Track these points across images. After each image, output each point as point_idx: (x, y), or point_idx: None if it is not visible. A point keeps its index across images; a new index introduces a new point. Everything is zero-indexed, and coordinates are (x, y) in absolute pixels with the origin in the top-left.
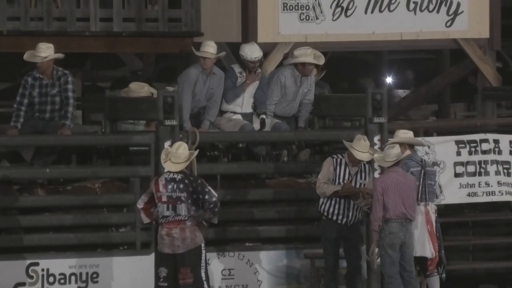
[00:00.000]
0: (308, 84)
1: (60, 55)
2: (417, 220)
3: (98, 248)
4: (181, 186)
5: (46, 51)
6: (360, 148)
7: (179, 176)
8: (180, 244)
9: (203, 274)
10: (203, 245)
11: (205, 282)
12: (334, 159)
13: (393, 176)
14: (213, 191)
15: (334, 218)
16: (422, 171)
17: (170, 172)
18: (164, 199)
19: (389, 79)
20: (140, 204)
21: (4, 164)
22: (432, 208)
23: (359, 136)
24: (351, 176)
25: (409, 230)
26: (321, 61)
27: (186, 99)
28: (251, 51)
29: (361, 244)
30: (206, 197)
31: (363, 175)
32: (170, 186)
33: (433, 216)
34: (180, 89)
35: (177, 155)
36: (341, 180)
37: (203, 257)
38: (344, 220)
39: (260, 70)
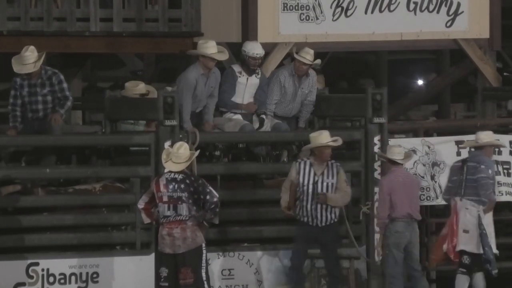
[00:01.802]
0: (310, 85)
1: (42, 53)
2: None
3: (98, 248)
4: (182, 186)
5: (32, 56)
6: (321, 138)
7: (180, 176)
8: (181, 244)
9: (203, 274)
10: (203, 245)
11: (205, 282)
12: (298, 163)
13: (400, 175)
14: (214, 192)
15: (305, 220)
16: (465, 167)
17: (171, 172)
18: (165, 199)
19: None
20: (140, 204)
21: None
22: (467, 204)
23: (318, 132)
24: (317, 176)
25: (414, 229)
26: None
27: (186, 103)
28: (254, 47)
29: (338, 246)
30: (207, 197)
31: (330, 174)
32: (171, 186)
33: (465, 212)
34: (180, 94)
35: (178, 155)
36: (305, 182)
37: (203, 257)
38: (315, 221)
39: (259, 70)
